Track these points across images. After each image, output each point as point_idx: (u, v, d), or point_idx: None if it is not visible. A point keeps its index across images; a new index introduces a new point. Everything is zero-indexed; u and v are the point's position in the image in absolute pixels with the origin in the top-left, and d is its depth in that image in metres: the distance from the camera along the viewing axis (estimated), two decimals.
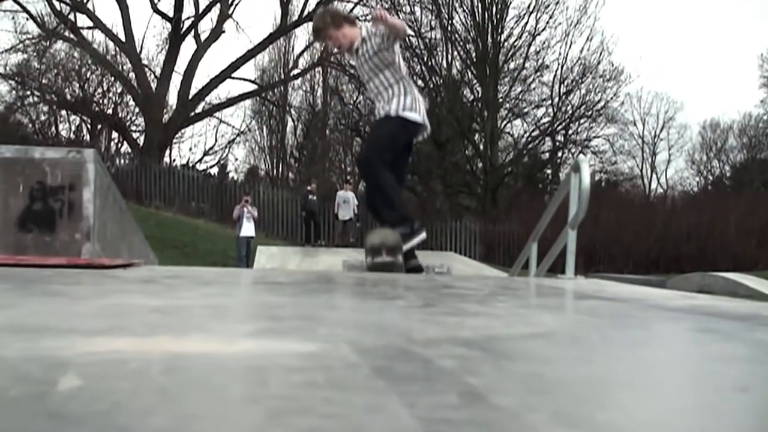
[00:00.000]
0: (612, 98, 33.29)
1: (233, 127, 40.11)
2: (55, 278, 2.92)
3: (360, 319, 1.86)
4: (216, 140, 39.00)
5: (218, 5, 28.89)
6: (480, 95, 32.80)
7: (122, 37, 28.81)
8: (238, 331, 1.53)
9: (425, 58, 32.06)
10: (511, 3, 32.18)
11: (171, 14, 29.28)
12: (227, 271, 5.43)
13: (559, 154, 34.39)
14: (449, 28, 31.96)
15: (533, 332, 1.76)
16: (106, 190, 5.56)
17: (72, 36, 28.56)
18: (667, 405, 0.99)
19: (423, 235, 4.71)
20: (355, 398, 0.90)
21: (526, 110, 33.51)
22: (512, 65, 32.84)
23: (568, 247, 4.89)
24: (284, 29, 31.09)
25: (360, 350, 1.25)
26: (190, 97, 29.17)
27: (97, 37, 30.88)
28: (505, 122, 33.89)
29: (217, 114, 32.33)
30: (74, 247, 4.93)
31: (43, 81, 30.20)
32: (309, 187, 22.60)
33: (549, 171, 35.66)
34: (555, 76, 32.62)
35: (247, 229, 17.16)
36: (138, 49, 29.49)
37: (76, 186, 4.96)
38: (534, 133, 33.68)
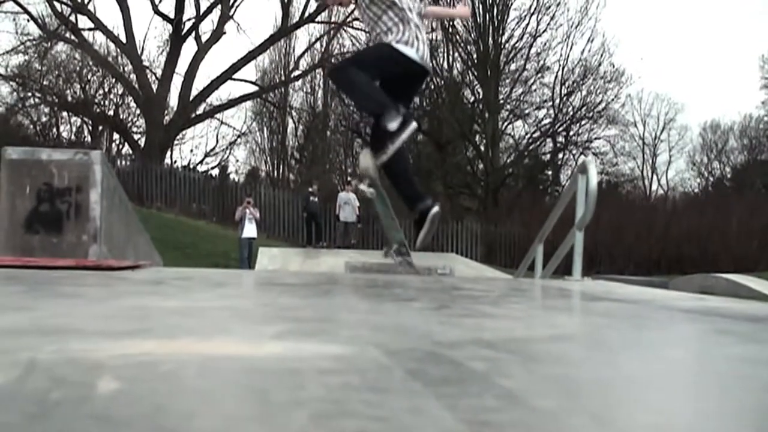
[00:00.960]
0: (613, 100, 33.36)
1: (234, 128, 40.01)
2: (64, 280, 2.93)
3: (380, 322, 1.87)
4: (217, 142, 38.99)
5: (219, 7, 28.91)
6: (481, 96, 32.81)
7: (123, 38, 28.82)
8: (263, 333, 1.53)
9: None
10: (512, 4, 32.24)
11: (172, 16, 29.29)
12: (235, 273, 5.44)
13: (560, 155, 34.44)
14: (450, 29, 31.95)
15: (554, 334, 1.76)
16: (113, 191, 5.56)
17: (73, 37, 28.56)
18: (703, 407, 0.99)
19: (412, 126, 4.52)
20: (395, 401, 0.91)
21: (527, 111, 33.55)
22: (513, 66, 32.88)
23: (575, 248, 4.89)
24: (285, 31, 31.09)
25: (389, 352, 1.25)
26: (191, 98, 29.16)
27: (98, 39, 30.92)
28: (506, 123, 33.92)
29: (218, 115, 32.32)
30: (81, 249, 4.93)
31: (44, 82, 30.19)
32: (311, 189, 22.59)
33: (550, 172, 35.68)
34: (556, 77, 32.71)
35: (249, 230, 17.19)
36: (139, 51, 29.52)
37: (83, 187, 4.96)
38: (535, 135, 33.73)
